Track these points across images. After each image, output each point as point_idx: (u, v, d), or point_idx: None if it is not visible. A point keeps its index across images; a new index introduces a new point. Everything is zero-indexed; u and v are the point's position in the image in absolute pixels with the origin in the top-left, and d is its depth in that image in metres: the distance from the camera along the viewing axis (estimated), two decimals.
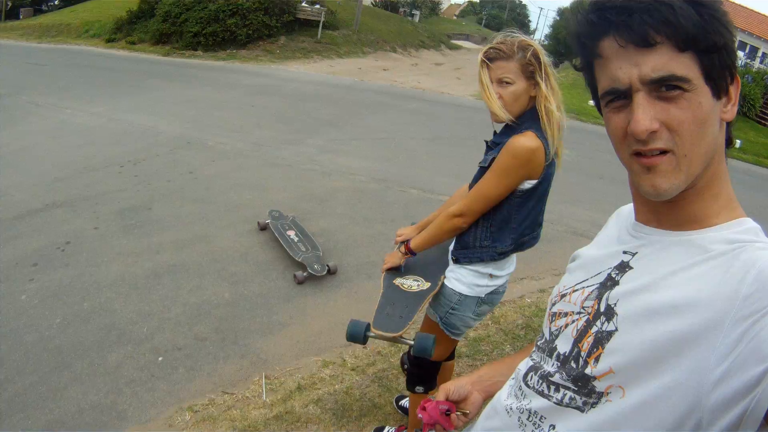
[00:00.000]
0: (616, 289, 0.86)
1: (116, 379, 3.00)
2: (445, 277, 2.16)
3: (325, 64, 16.21)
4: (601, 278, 0.91)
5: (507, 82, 1.84)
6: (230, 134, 7.99)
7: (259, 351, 3.31)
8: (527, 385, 0.97)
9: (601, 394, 0.81)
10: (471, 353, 3.37)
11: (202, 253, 4.41)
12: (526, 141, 1.84)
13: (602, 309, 0.86)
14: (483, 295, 2.09)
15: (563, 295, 0.99)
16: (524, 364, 1.04)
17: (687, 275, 0.77)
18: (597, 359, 0.82)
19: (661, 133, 0.74)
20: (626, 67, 0.74)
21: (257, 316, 3.63)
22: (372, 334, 2.02)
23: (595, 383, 0.81)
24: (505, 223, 1.97)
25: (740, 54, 28.36)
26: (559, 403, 0.88)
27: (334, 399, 2.92)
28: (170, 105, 9.65)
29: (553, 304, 1.02)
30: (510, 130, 1.92)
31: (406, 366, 2.26)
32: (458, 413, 1.17)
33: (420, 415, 1.15)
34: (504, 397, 1.04)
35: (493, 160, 1.92)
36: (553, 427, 0.88)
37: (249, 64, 15.40)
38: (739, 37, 27.83)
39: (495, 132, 2.06)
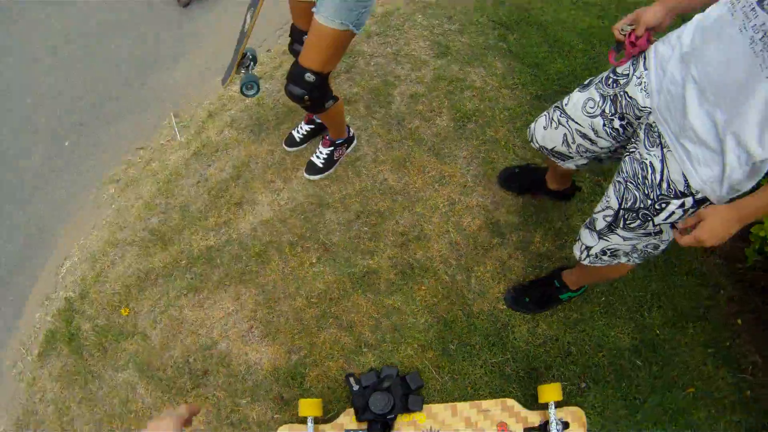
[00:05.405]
0: None
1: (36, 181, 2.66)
2: None
3: None
4: None
5: None
6: None
7: (160, 90, 2.84)
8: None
9: None
10: (382, 30, 2.85)
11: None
12: None
13: None
14: None
15: None
16: None
17: None
18: None
19: None
20: None
21: (149, 55, 3.05)
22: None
23: None
24: None
25: None
26: None
27: (248, 115, 2.56)
28: None
29: None
30: None
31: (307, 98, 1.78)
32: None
33: (631, 51, 1.31)
34: None
35: None
36: None
37: None
38: None
39: None
